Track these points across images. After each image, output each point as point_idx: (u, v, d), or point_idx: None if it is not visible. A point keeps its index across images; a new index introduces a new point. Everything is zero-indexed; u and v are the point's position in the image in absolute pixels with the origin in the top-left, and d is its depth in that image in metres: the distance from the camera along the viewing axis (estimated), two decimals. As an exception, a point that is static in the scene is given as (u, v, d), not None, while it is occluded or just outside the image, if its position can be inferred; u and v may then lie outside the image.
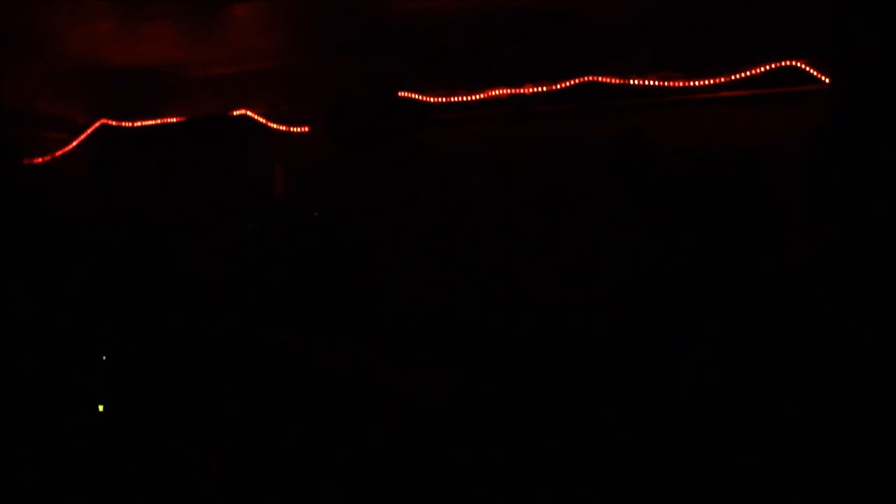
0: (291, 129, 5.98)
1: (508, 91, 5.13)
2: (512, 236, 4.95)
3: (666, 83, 4.61)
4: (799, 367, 3.07)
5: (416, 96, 5.41)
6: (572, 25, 4.80)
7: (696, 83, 4.54)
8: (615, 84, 4.76)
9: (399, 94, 5.46)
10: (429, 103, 5.37)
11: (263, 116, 6.08)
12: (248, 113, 6.13)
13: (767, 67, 4.37)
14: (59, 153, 6.75)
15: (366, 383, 3.96)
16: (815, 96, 4.12)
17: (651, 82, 4.65)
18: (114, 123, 6.80)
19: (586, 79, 4.85)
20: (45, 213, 4.64)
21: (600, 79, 4.81)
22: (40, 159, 6.67)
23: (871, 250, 2.70)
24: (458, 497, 3.12)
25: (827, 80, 4.08)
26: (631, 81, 4.71)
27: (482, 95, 5.21)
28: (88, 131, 6.84)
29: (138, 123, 6.71)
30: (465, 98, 5.26)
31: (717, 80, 4.49)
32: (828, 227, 2.95)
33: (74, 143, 6.79)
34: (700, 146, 4.22)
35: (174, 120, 6.56)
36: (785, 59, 4.33)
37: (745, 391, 3.21)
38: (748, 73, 4.41)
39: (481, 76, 5.21)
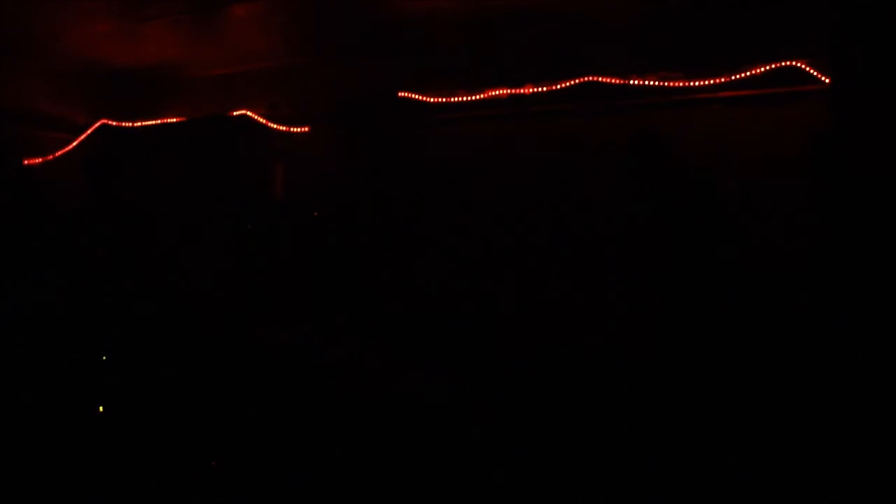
0: (291, 129, 5.99)
1: (508, 91, 5.13)
2: (512, 236, 4.95)
3: (666, 83, 4.62)
4: (797, 367, 3.07)
5: (416, 96, 5.41)
6: (572, 25, 4.80)
7: (696, 83, 4.54)
8: (615, 84, 4.76)
9: (399, 94, 5.46)
10: (429, 103, 5.37)
11: (263, 116, 6.08)
12: (248, 113, 6.14)
13: (767, 67, 4.37)
14: (59, 153, 6.77)
15: (365, 382, 3.96)
16: (815, 96, 4.12)
17: (651, 82, 4.65)
18: (114, 123, 6.80)
19: (586, 79, 4.85)
20: (45, 213, 4.64)
21: (600, 79, 4.81)
22: (41, 159, 6.68)
23: (872, 249, 2.70)
24: (456, 496, 3.12)
25: (827, 80, 4.08)
26: (631, 81, 4.71)
27: (482, 95, 5.21)
28: (88, 131, 6.85)
29: (138, 123, 6.72)
30: (465, 98, 5.26)
31: (717, 80, 4.49)
32: (830, 225, 2.95)
33: (74, 144, 6.80)
34: (700, 146, 4.22)
35: (174, 120, 6.56)
36: (785, 59, 4.33)
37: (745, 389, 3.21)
38: (748, 73, 4.41)
39: (481, 76, 5.21)
